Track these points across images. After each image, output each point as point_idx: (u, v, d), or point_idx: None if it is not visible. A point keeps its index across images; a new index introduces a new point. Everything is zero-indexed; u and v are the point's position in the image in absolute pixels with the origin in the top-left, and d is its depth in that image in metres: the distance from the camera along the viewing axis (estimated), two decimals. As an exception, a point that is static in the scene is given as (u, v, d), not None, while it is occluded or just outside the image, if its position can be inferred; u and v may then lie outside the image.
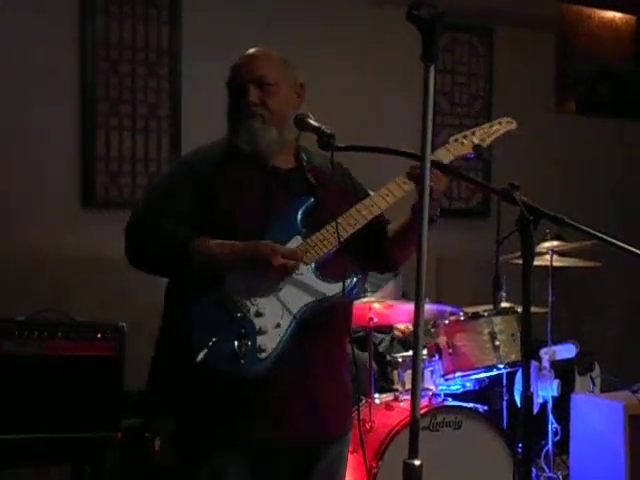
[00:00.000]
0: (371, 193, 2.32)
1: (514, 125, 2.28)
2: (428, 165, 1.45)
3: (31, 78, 4.05)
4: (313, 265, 2.06)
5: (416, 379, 1.45)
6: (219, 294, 2.00)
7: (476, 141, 2.20)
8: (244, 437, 2.02)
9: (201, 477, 2.04)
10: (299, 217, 2.10)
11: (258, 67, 2.14)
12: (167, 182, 2.21)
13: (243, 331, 1.96)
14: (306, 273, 2.05)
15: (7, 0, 4.02)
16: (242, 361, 1.93)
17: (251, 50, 2.21)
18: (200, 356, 1.91)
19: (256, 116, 2.11)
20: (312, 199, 2.12)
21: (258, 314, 2.00)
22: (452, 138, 2.22)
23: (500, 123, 2.26)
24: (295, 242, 2.07)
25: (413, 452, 1.41)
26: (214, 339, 1.94)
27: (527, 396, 1.75)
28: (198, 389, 1.99)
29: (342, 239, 2.04)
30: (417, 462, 1.42)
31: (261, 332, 1.98)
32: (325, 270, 2.07)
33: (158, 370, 2.09)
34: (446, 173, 2.10)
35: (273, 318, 2.01)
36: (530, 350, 1.86)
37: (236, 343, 1.94)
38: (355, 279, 2.06)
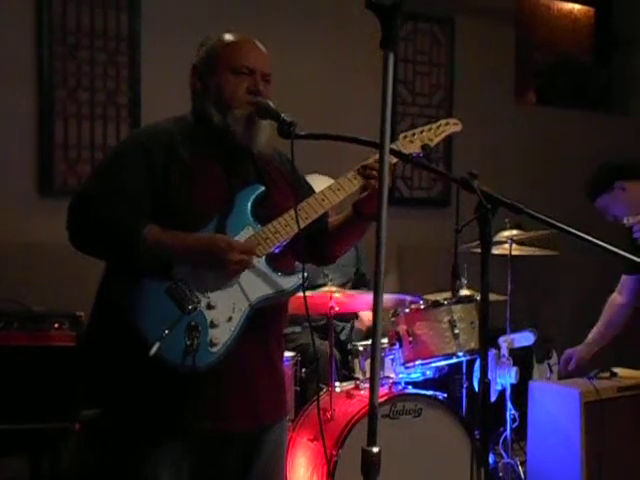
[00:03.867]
0: (323, 178, 2.33)
1: (460, 127, 2.32)
2: (387, 153, 1.45)
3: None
4: (264, 258, 2.05)
5: (375, 366, 1.45)
6: (169, 285, 1.95)
7: (425, 140, 2.22)
8: (187, 427, 2.00)
9: (141, 468, 2.01)
10: (249, 207, 2.07)
11: (266, 61, 2.15)
12: (118, 162, 2.08)
13: (194, 324, 1.93)
14: (258, 266, 2.03)
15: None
16: (193, 354, 1.90)
17: (247, 37, 2.19)
18: (154, 349, 1.87)
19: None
20: (263, 188, 2.11)
21: (210, 307, 1.98)
22: (402, 135, 2.23)
23: (447, 124, 2.29)
24: (247, 233, 2.05)
25: (371, 439, 1.42)
26: (166, 332, 1.90)
27: (485, 383, 1.77)
28: (144, 379, 1.96)
29: (296, 231, 2.03)
30: (375, 449, 1.42)
31: (213, 325, 1.96)
32: (275, 263, 2.06)
33: (96, 358, 2.05)
34: (408, 162, 2.11)
35: (225, 311, 1.99)
36: (488, 338, 1.88)
37: (187, 336, 1.91)
38: (306, 273, 2.07)
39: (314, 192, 2.19)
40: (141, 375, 1.96)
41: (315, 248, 2.26)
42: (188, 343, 1.90)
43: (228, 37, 2.18)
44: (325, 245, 2.30)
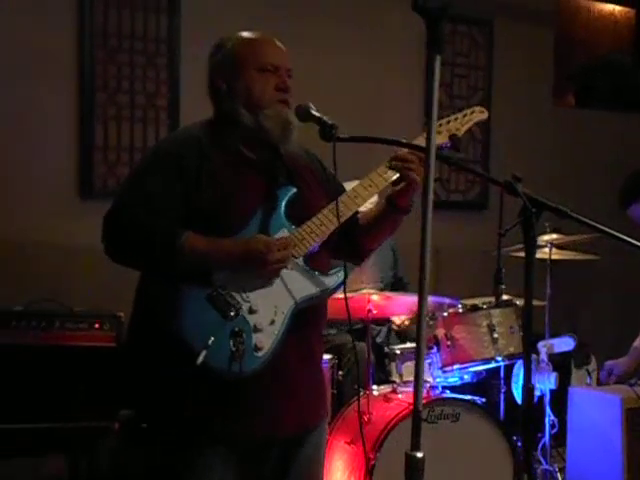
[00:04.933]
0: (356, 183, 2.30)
1: (486, 115, 2.26)
2: (433, 156, 1.44)
3: (29, 67, 4.01)
4: (301, 258, 2.02)
5: (419, 370, 1.44)
6: (210, 292, 1.93)
7: (452, 130, 2.17)
8: (232, 433, 1.98)
9: (188, 476, 1.99)
10: (283, 208, 2.05)
11: (286, 57, 2.14)
12: (149, 172, 2.05)
13: (237, 329, 1.90)
14: (296, 267, 2.01)
15: (6, -13, 4.00)
16: (240, 360, 1.88)
17: (266, 35, 2.17)
18: (200, 358, 1.85)
19: (289, 103, 2.10)
20: (294, 189, 2.08)
21: (252, 311, 1.95)
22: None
23: (473, 112, 2.24)
24: (281, 235, 2.02)
25: (416, 444, 1.41)
26: (211, 339, 1.87)
27: (528, 388, 1.75)
28: (188, 387, 1.94)
29: (332, 230, 2.02)
30: (420, 454, 1.41)
31: (257, 330, 1.94)
32: (312, 263, 2.04)
33: (139, 366, 2.03)
34: (450, 165, 2.09)
35: (267, 315, 1.96)
36: (531, 342, 1.86)
37: (231, 342, 1.89)
38: (344, 270, 2.05)
39: (345, 189, 2.15)
40: (186, 383, 1.93)
41: (347, 244, 2.21)
42: (233, 349, 1.88)
43: (248, 36, 2.16)
44: (358, 240, 2.25)
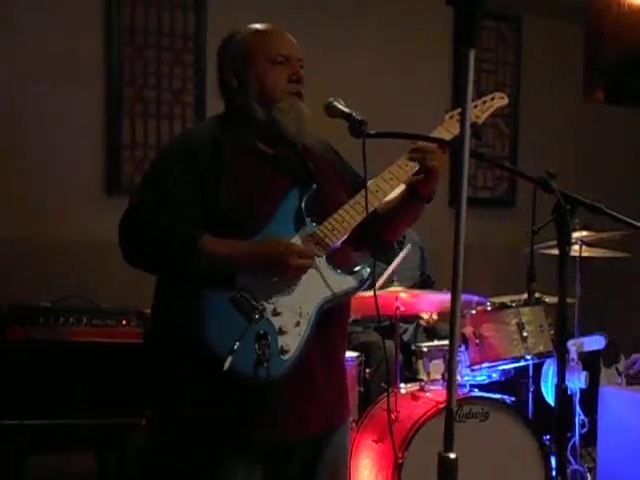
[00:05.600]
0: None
1: (506, 100, 2.21)
2: (467, 152, 1.42)
3: (56, 63, 4.03)
4: (324, 257, 1.98)
5: (452, 369, 1.42)
6: (232, 295, 1.88)
7: (473, 118, 2.12)
8: (258, 436, 1.94)
9: (212, 474, 1.96)
10: (303, 205, 2.00)
11: (296, 47, 2.09)
12: (164, 172, 1.99)
13: (262, 332, 1.86)
14: (319, 266, 1.96)
15: (34, -16, 4.02)
16: (266, 364, 1.83)
17: (274, 26, 2.14)
18: (227, 364, 1.80)
19: (302, 95, 2.06)
20: (314, 185, 2.02)
21: (276, 313, 1.90)
22: (447, 115, 2.13)
23: (493, 98, 2.19)
24: (303, 233, 1.98)
25: (449, 445, 1.38)
26: (236, 344, 1.82)
27: (562, 389, 1.72)
28: (213, 391, 1.89)
29: (354, 225, 1.98)
30: (452, 455, 1.39)
31: (282, 332, 1.89)
32: (335, 260, 2.00)
33: (161, 370, 1.99)
34: (482, 161, 2.06)
35: (292, 316, 1.91)
36: (564, 341, 1.83)
37: (257, 346, 1.84)
38: (369, 268, 2.01)
39: (360, 178, 2.07)
40: (210, 387, 1.89)
41: (368, 236, 2.13)
42: (259, 353, 1.83)
43: (256, 27, 2.12)
44: (379, 231, 2.16)
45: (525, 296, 3.53)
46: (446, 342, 3.53)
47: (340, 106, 2.04)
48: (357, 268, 2.01)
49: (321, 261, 1.97)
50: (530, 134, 5.22)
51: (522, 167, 5.06)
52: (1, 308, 3.33)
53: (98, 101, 4.15)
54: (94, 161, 4.16)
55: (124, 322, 3.40)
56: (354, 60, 4.53)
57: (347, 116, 2.02)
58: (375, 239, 2.18)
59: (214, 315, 1.87)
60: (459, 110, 2.11)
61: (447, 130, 2.09)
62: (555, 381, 3.52)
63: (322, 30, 4.38)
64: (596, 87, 5.78)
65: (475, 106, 2.16)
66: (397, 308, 3.28)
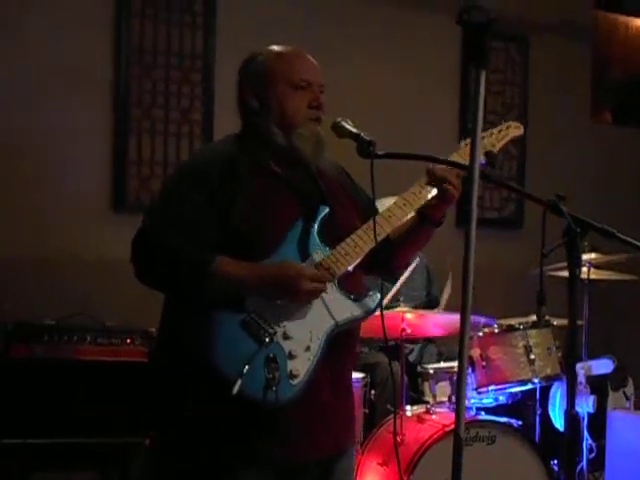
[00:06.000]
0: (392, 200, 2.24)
1: (522, 130, 2.21)
2: (477, 174, 1.40)
3: (64, 80, 4.04)
4: (335, 282, 1.96)
5: (460, 397, 1.40)
6: (243, 318, 1.87)
7: (488, 147, 2.11)
8: (264, 457, 1.93)
9: None
10: (316, 229, 1.99)
11: (319, 72, 2.09)
12: (178, 192, 1.98)
13: (272, 355, 1.85)
14: (330, 290, 1.94)
15: (43, 1, 4.02)
16: (274, 388, 1.82)
17: (298, 49, 2.12)
18: (236, 388, 1.80)
19: (321, 120, 2.06)
20: (327, 209, 2.02)
21: (286, 337, 1.89)
22: (463, 143, 2.12)
23: (509, 127, 2.19)
24: (315, 257, 1.96)
25: (457, 475, 1.36)
26: (246, 367, 1.82)
27: (572, 415, 1.69)
28: (220, 413, 1.88)
29: (367, 251, 1.97)
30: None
31: (291, 356, 1.88)
32: (346, 285, 1.98)
33: (167, 391, 1.98)
34: (491, 182, 2.04)
35: (302, 340, 1.90)
36: (574, 365, 1.80)
37: (266, 370, 1.83)
38: (379, 294, 1.99)
39: (371, 202, 2.06)
40: (218, 409, 1.88)
41: (380, 261, 2.11)
42: (269, 377, 1.82)
43: (279, 50, 2.11)
44: (390, 256, 2.17)
45: (533, 318, 3.50)
46: (452, 364, 3.50)
47: (348, 126, 2.04)
48: (368, 294, 2.00)
49: (332, 286, 1.95)
50: (538, 155, 5.20)
51: (530, 188, 5.05)
52: (5, 325, 3.32)
53: (106, 119, 4.15)
54: (101, 178, 4.16)
55: (129, 341, 3.39)
56: (356, 69, 4.54)
57: (355, 136, 2.01)
58: (386, 264, 2.17)
59: (223, 338, 1.86)
60: None
61: (462, 157, 2.07)
62: (564, 405, 3.49)
63: (329, 48, 4.38)
64: (603, 108, 5.77)
65: (491, 134, 2.15)
66: (403, 329, 3.26)
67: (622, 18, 5.90)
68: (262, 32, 4.35)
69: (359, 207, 2.13)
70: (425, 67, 4.84)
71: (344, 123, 2.04)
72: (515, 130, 2.19)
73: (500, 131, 2.17)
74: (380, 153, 2.00)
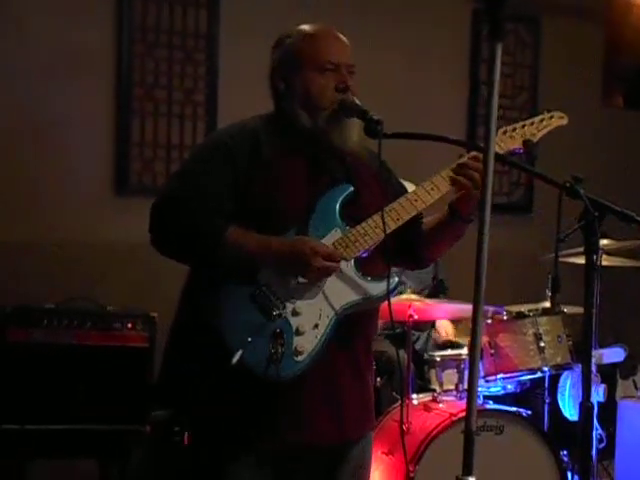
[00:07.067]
0: (406, 184, 2.20)
1: (565, 120, 2.15)
2: (492, 153, 1.32)
3: (66, 61, 3.97)
4: (352, 262, 1.94)
5: (472, 389, 1.33)
6: (253, 290, 1.88)
7: (527, 135, 2.06)
8: (268, 440, 1.92)
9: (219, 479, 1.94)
10: (338, 208, 1.97)
11: (348, 52, 2.05)
12: (201, 163, 2.03)
13: (278, 331, 1.85)
14: (346, 270, 1.93)
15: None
16: (278, 364, 1.82)
17: (327, 28, 2.09)
18: (236, 358, 1.80)
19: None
20: (352, 188, 2.00)
21: (295, 313, 1.89)
22: (501, 130, 2.07)
23: (551, 117, 2.13)
24: (334, 235, 1.95)
25: (467, 469, 1.29)
26: (250, 339, 1.82)
27: (587, 407, 1.62)
28: (225, 388, 1.88)
29: (387, 234, 1.92)
30: (472, 479, 1.30)
31: (298, 333, 1.88)
32: (364, 267, 1.96)
33: (177, 365, 2.00)
34: (507, 164, 1.97)
35: (311, 318, 1.89)
36: (589, 355, 1.74)
37: (271, 344, 1.83)
38: (397, 278, 1.96)
39: (405, 190, 2.07)
40: (223, 383, 1.88)
41: (410, 252, 2.13)
42: (272, 351, 1.82)
43: (307, 30, 2.07)
44: (420, 249, 2.15)
45: (543, 305, 3.43)
46: (459, 351, 3.44)
47: (356, 104, 1.99)
48: (384, 276, 1.95)
49: (349, 266, 1.94)
50: (548, 138, 5.11)
51: (540, 172, 4.97)
52: (4, 309, 3.26)
53: (108, 100, 4.08)
54: (103, 160, 4.09)
55: (130, 325, 3.33)
56: (371, 60, 4.44)
57: (363, 113, 1.96)
58: (414, 256, 2.16)
59: (232, 307, 1.87)
60: (514, 125, 2.07)
61: (497, 145, 2.01)
62: (573, 394, 3.42)
63: (333, 19, 4.30)
64: (615, 92, 5.67)
65: (532, 123, 2.10)
66: (410, 316, 3.20)
67: (635, 1, 5.79)
68: (266, 12, 4.27)
69: (390, 194, 2.06)
70: (433, 52, 4.75)
71: (350, 101, 1.98)
72: (559, 120, 2.14)
73: (542, 120, 2.12)
74: (388, 133, 1.96)
